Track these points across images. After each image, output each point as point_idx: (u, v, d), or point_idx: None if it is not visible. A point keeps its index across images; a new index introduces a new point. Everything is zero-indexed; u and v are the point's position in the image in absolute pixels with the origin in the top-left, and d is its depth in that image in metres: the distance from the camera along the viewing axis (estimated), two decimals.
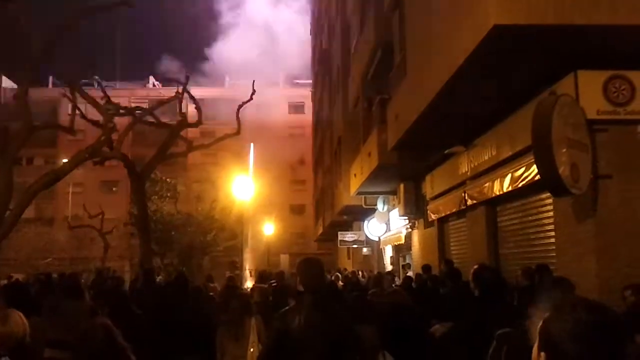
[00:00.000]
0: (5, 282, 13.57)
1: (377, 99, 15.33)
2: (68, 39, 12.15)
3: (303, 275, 4.52)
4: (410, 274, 15.33)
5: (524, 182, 8.83)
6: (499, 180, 9.89)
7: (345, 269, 26.45)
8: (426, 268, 12.84)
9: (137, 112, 15.80)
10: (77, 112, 14.45)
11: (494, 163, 10.29)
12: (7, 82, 55.69)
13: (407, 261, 18.47)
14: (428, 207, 15.05)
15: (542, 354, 1.66)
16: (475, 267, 6.25)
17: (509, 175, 9.38)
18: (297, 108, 57.32)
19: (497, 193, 10.05)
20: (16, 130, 11.16)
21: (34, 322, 6.04)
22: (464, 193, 11.85)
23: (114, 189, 52.47)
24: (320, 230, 37.31)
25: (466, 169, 11.86)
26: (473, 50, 6.90)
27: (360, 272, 20.86)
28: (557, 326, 1.63)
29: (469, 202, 11.65)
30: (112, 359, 5.13)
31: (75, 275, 8.30)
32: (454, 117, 9.99)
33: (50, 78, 49.37)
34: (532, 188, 8.79)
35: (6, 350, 3.96)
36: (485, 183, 10.60)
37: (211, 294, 12.50)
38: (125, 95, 42.96)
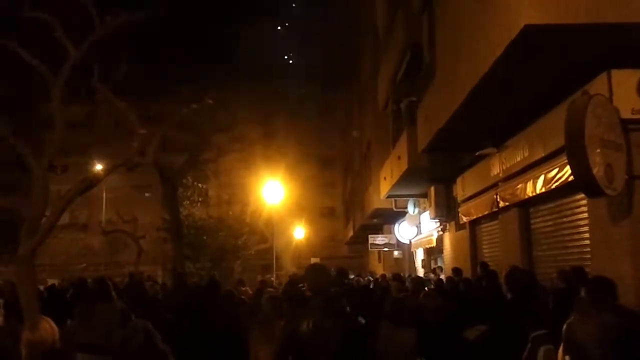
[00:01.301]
0: (42, 287, 13.84)
1: (406, 101, 15.28)
2: (101, 48, 12.33)
3: (310, 280, 4.62)
4: (442, 277, 15.23)
5: (557, 184, 8.71)
6: (531, 181, 9.76)
7: (374, 273, 26.39)
8: (457, 271, 12.72)
9: (169, 118, 15.98)
10: (110, 119, 14.69)
11: (527, 164, 10.16)
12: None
13: (439, 264, 18.34)
14: (459, 210, 14.93)
15: (567, 357, 1.64)
16: (508, 269, 6.20)
17: (542, 177, 9.25)
18: (327, 110, 57.29)
19: (530, 195, 9.92)
20: (51, 138, 11.35)
21: (68, 326, 6.15)
22: (496, 195, 11.73)
23: (146, 194, 53.09)
24: (351, 234, 37.31)
25: (498, 171, 11.73)
26: (504, 50, 6.83)
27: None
28: (583, 330, 1.60)
29: (501, 204, 11.52)
30: None
31: (103, 279, 8.39)
32: (484, 119, 9.90)
33: (84, 87, 50.19)
34: (566, 189, 8.66)
35: (37, 357, 4.08)
36: (518, 185, 10.47)
37: (242, 297, 12.57)
38: (157, 102, 43.43)
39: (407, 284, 13.05)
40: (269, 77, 48.74)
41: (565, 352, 1.64)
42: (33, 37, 11.66)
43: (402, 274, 17.20)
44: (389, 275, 20.28)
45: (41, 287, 13.57)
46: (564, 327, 1.66)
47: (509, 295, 5.92)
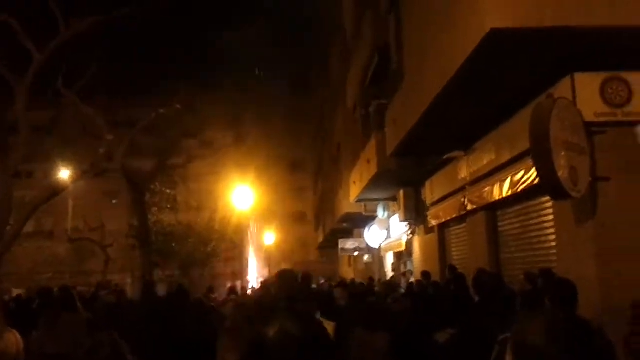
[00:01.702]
0: (7, 297, 13.53)
1: (375, 105, 15.32)
2: (67, 51, 12.17)
3: (278, 285, 4.62)
4: (412, 280, 15.29)
5: (523, 186, 8.80)
6: (498, 184, 9.86)
7: (342, 278, 26.38)
8: (426, 274, 12.79)
9: (137, 123, 15.79)
10: (77, 124, 14.47)
11: (494, 167, 10.27)
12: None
13: (409, 267, 18.42)
14: (428, 213, 15.01)
15: None
16: (475, 273, 6.24)
17: (509, 180, 9.35)
18: (297, 115, 57.27)
19: (497, 197, 10.02)
20: (16, 144, 11.14)
21: (33, 337, 6.00)
22: (464, 198, 11.81)
23: (114, 201, 52.34)
24: (321, 238, 37.25)
25: (466, 174, 11.83)
26: (470, 54, 6.89)
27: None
28: (527, 331, 1.60)
29: (469, 207, 11.61)
30: None
31: (67, 287, 8.25)
32: (452, 122, 9.98)
33: (50, 91, 49.32)
34: (532, 192, 8.76)
35: None
36: (485, 188, 10.57)
37: (212, 304, 12.46)
38: (124, 106, 42.94)
39: (377, 288, 13.10)
40: (238, 82, 48.59)
41: None
42: None
43: (363, 279, 17.23)
44: (359, 279, 20.35)
45: (6, 297, 13.28)
46: (510, 342, 1.65)
47: (476, 298, 5.96)
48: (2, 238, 9.74)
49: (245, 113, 17.33)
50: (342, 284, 12.23)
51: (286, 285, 4.56)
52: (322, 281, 24.24)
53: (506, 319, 4.82)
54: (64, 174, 16.23)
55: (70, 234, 34.28)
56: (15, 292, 21.11)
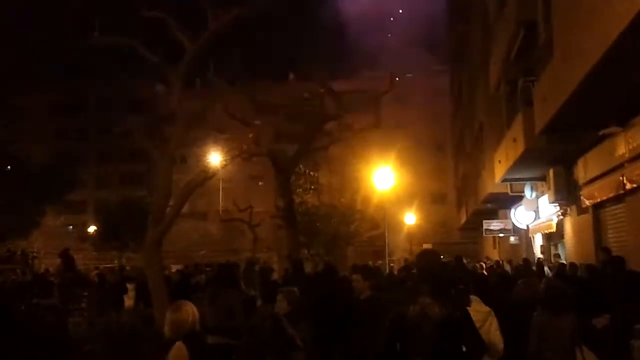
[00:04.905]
0: (166, 273, 14.65)
1: (521, 81, 14.78)
2: (213, 42, 12.76)
3: (418, 265, 4.59)
4: (563, 261, 14.66)
5: None
6: None
7: (488, 259, 25.80)
8: (572, 266, 12.11)
9: (281, 108, 16.29)
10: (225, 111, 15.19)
11: None
12: (159, 87, 59.69)
13: (559, 250, 17.66)
14: (581, 193, 14.29)
15: None
16: None
17: None
18: (435, 95, 56.38)
19: None
20: (172, 132, 11.90)
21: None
22: (622, 176, 11.12)
23: (260, 183, 54.62)
24: (464, 219, 36.62)
25: (624, 151, 11.12)
26: (628, 23, 6.46)
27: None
28: None
29: (628, 186, 10.92)
30: (280, 347, 5.41)
31: (230, 265, 8.76)
32: (608, 96, 9.41)
33: (198, 80, 52.10)
34: None
35: (179, 336, 4.37)
36: None
37: None
38: (267, 92, 44.50)
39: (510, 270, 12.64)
40: (376, 64, 48.67)
41: None
42: (143, 34, 12.21)
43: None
44: (503, 261, 19.84)
45: (166, 273, 14.36)
46: None
47: None
48: (163, 219, 10.52)
49: (384, 95, 17.32)
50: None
51: (427, 266, 4.51)
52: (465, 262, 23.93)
53: None
54: (215, 158, 17.14)
55: (221, 215, 36.28)
56: (174, 267, 22.83)
